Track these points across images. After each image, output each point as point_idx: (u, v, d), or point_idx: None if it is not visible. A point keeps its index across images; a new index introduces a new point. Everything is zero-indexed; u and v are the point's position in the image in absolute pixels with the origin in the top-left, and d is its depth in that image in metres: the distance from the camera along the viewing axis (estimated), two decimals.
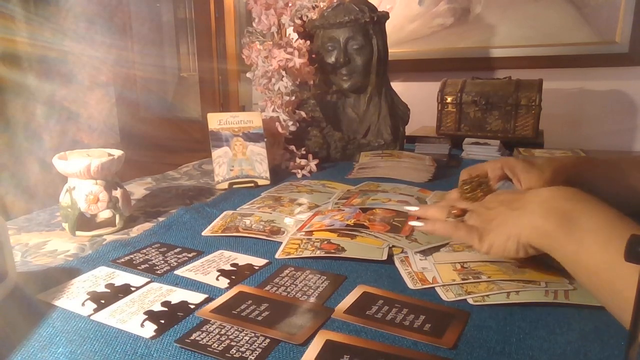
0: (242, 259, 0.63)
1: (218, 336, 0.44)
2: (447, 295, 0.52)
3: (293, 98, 1.16)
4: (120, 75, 2.62)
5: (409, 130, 1.38)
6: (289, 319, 0.47)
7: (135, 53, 2.65)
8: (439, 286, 0.54)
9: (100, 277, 0.57)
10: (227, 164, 0.99)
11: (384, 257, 0.61)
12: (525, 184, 0.66)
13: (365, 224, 0.69)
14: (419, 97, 1.64)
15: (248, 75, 1.18)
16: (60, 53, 2.29)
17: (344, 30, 1.20)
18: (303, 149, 1.16)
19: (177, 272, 0.59)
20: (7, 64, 2.06)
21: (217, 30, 2.41)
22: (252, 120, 1.03)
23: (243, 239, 0.70)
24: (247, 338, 0.44)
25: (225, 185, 0.98)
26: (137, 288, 0.55)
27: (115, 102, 2.67)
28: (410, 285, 0.55)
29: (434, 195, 0.85)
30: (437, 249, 0.62)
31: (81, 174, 0.70)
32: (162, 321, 0.47)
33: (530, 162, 0.68)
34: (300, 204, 0.84)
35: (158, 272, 0.59)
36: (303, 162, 1.12)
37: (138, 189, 0.99)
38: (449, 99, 1.50)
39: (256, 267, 0.60)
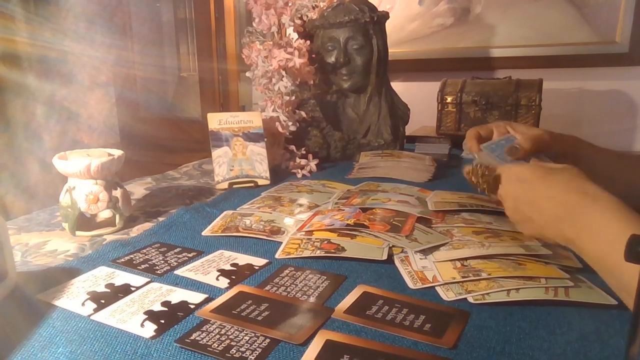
0: (242, 259, 0.63)
1: (218, 336, 0.44)
2: (447, 295, 0.52)
3: (293, 98, 1.16)
4: (120, 75, 2.62)
5: (409, 130, 1.38)
6: (289, 319, 0.47)
7: (135, 53, 2.65)
8: (439, 285, 0.54)
9: (100, 277, 0.57)
10: (227, 164, 0.99)
11: (384, 257, 0.61)
12: (524, 136, 0.69)
13: (365, 223, 0.69)
14: (419, 97, 1.64)
15: (248, 75, 1.18)
16: (60, 53, 2.29)
17: (344, 30, 1.20)
18: (303, 149, 1.16)
19: (177, 272, 0.59)
20: (7, 64, 2.06)
21: (217, 30, 2.41)
22: (252, 120, 1.03)
23: (243, 239, 0.70)
24: (247, 338, 0.44)
25: (225, 185, 0.98)
26: (137, 288, 0.54)
27: (115, 102, 2.66)
28: (410, 284, 0.55)
29: (434, 195, 0.85)
30: (437, 247, 0.62)
31: (81, 174, 0.70)
32: (162, 321, 0.47)
33: (533, 127, 0.75)
34: (300, 204, 0.84)
35: (158, 272, 0.59)
36: (303, 162, 1.12)
37: (138, 189, 0.99)
38: (449, 99, 1.50)
39: (256, 267, 0.60)
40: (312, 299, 0.52)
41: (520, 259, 0.57)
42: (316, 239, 0.66)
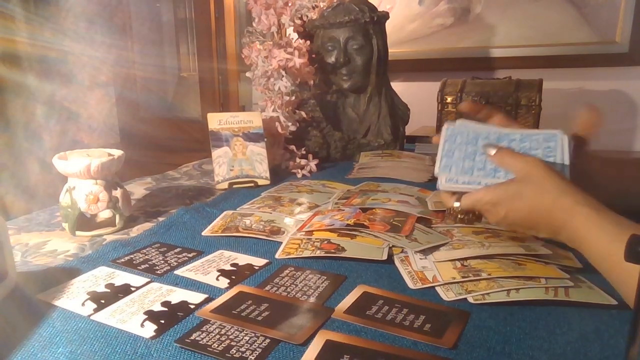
0: (242, 259, 0.63)
1: (218, 336, 0.44)
2: (447, 295, 0.52)
3: (293, 98, 1.16)
4: (120, 75, 2.62)
5: (409, 130, 1.38)
6: (289, 319, 0.47)
7: (135, 53, 2.65)
8: (439, 285, 0.54)
9: (100, 277, 0.57)
10: (227, 164, 0.99)
11: (384, 257, 0.61)
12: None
13: (365, 223, 0.69)
14: (419, 97, 1.63)
15: (248, 75, 1.18)
16: (60, 53, 2.29)
17: (344, 30, 1.20)
18: (303, 149, 1.16)
19: (177, 272, 0.59)
20: (7, 64, 2.06)
21: (217, 30, 2.41)
22: (252, 120, 1.03)
23: (243, 239, 0.70)
24: (247, 338, 0.44)
25: (225, 185, 0.98)
26: (137, 288, 0.54)
27: (115, 102, 2.66)
28: (410, 284, 0.55)
29: (434, 195, 0.85)
30: (437, 247, 0.62)
31: (81, 174, 0.70)
32: (162, 321, 0.47)
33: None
34: (300, 204, 0.84)
35: (158, 272, 0.59)
36: (303, 162, 1.12)
37: (138, 189, 0.99)
38: (449, 99, 1.50)
39: (256, 267, 0.60)
40: (312, 299, 0.52)
41: (520, 259, 0.57)
42: (316, 239, 0.66)
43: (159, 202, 0.91)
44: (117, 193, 0.74)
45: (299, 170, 1.10)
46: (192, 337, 0.44)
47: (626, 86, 1.59)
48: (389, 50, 1.28)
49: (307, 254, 0.63)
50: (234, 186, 0.98)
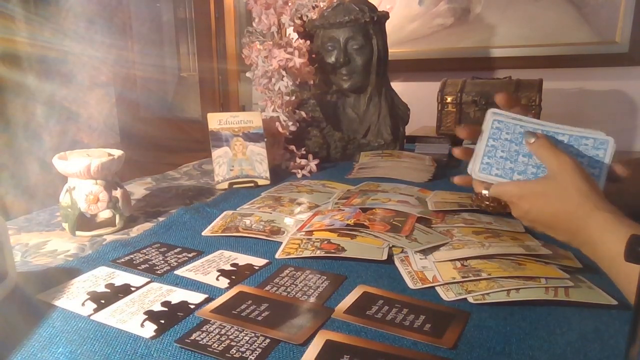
0: (242, 259, 0.63)
1: (218, 336, 0.44)
2: (447, 295, 0.52)
3: (293, 98, 1.16)
4: (120, 75, 2.62)
5: (409, 130, 1.38)
6: (289, 319, 0.47)
7: (135, 53, 2.65)
8: (439, 285, 0.54)
9: (100, 277, 0.57)
10: (227, 164, 0.99)
11: (384, 257, 0.61)
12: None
13: (365, 223, 0.69)
14: (419, 97, 1.63)
15: (248, 75, 1.18)
16: (60, 53, 2.29)
17: (344, 30, 1.20)
18: (303, 149, 1.16)
19: (177, 272, 0.59)
20: (7, 64, 2.06)
21: (217, 30, 2.41)
22: (252, 120, 1.03)
23: (243, 239, 0.70)
24: (247, 338, 0.44)
25: (225, 185, 0.98)
26: (137, 288, 0.54)
27: (115, 102, 2.66)
28: (410, 284, 0.55)
29: (434, 195, 0.85)
30: (437, 247, 0.62)
31: (81, 174, 0.70)
32: (162, 321, 0.47)
33: None
34: (300, 204, 0.84)
35: (158, 272, 0.59)
36: (303, 162, 1.12)
37: (138, 189, 0.99)
38: (449, 99, 1.50)
39: (256, 267, 0.60)
40: (312, 299, 0.52)
41: (520, 259, 0.58)
42: (316, 239, 0.66)
43: (159, 202, 0.91)
44: (117, 193, 0.74)
45: (299, 170, 1.10)
46: (192, 337, 0.44)
47: (626, 86, 1.59)
48: (389, 50, 1.28)
49: (307, 254, 0.63)
50: (234, 186, 0.98)
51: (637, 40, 1.51)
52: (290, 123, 1.14)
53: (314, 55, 1.22)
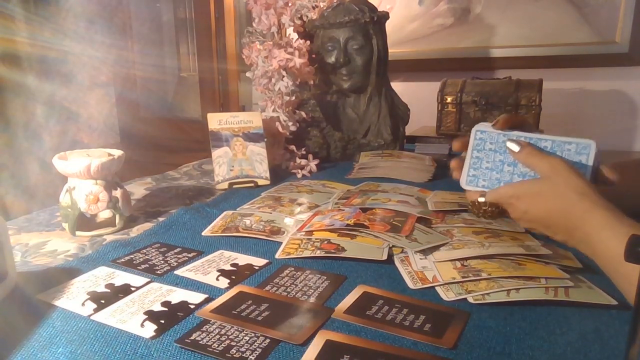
0: (242, 259, 0.63)
1: (218, 336, 0.44)
2: (447, 295, 0.52)
3: (293, 98, 1.16)
4: (120, 75, 2.62)
5: (409, 130, 1.38)
6: (289, 319, 0.47)
7: (135, 53, 2.65)
8: (439, 285, 0.54)
9: (100, 277, 0.57)
10: (227, 164, 0.99)
11: (384, 257, 0.61)
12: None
13: (365, 223, 0.69)
14: (419, 97, 1.64)
15: (248, 75, 1.18)
16: (60, 53, 2.29)
17: (344, 30, 1.20)
18: (303, 149, 1.16)
19: (177, 272, 0.59)
20: (7, 64, 2.06)
21: (217, 30, 2.41)
22: (252, 120, 1.03)
23: (243, 239, 0.70)
24: (247, 338, 0.44)
25: (225, 185, 0.98)
26: (137, 288, 0.54)
27: (115, 102, 2.67)
28: (410, 285, 0.55)
29: (434, 195, 0.85)
30: (437, 247, 0.62)
31: (81, 174, 0.70)
32: (162, 321, 0.47)
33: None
34: (300, 204, 0.84)
35: (158, 272, 0.59)
36: (303, 162, 1.12)
37: (138, 189, 0.99)
38: (449, 99, 1.50)
39: (256, 267, 0.60)
40: (312, 299, 0.52)
41: (520, 259, 0.58)
42: (316, 239, 0.66)
43: (159, 202, 0.91)
44: (117, 193, 0.74)
45: (299, 170, 1.10)
46: (192, 337, 0.44)
47: (626, 86, 1.59)
48: (389, 50, 1.28)
49: (307, 254, 0.63)
50: (234, 186, 0.98)
51: (637, 40, 1.51)
52: (290, 123, 1.14)
53: (314, 55, 1.22)
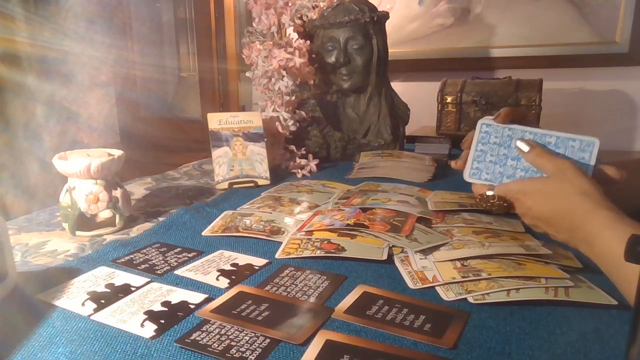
0: (242, 259, 0.63)
1: (218, 336, 0.44)
2: (447, 295, 0.52)
3: (293, 98, 1.16)
4: (120, 75, 2.62)
5: (409, 130, 1.38)
6: (289, 319, 0.47)
7: (135, 53, 2.65)
8: (439, 285, 0.54)
9: (100, 277, 0.57)
10: (227, 164, 0.99)
11: (384, 257, 0.61)
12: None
13: (365, 223, 0.69)
14: (419, 97, 1.64)
15: (248, 75, 1.18)
16: (60, 53, 2.29)
17: (344, 30, 1.20)
18: (303, 149, 1.16)
19: (177, 272, 0.59)
20: (7, 64, 2.06)
21: (217, 30, 2.41)
22: (252, 120, 1.03)
23: (243, 239, 0.70)
24: (247, 338, 0.44)
25: (225, 185, 0.98)
26: (137, 288, 0.54)
27: (115, 102, 2.66)
28: (410, 284, 0.55)
29: (434, 195, 0.85)
30: (437, 247, 0.62)
31: (81, 174, 0.70)
32: (162, 321, 0.47)
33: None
34: (300, 204, 0.84)
35: (158, 272, 0.59)
36: (303, 162, 1.12)
37: (138, 189, 0.99)
38: (449, 99, 1.50)
39: (256, 267, 0.60)
40: (312, 299, 0.52)
41: (520, 259, 0.58)
42: (316, 239, 0.66)
43: (159, 202, 0.91)
44: (117, 193, 0.74)
45: (299, 170, 1.10)
46: (192, 337, 0.44)
47: (626, 86, 1.59)
48: (389, 50, 1.28)
49: (307, 254, 0.63)
50: (234, 186, 0.98)
51: (637, 40, 1.51)
52: (290, 123, 1.14)
53: (314, 55, 1.22)
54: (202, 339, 0.44)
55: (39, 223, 0.80)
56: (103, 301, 0.51)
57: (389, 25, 1.27)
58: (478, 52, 1.75)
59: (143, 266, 0.61)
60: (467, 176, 0.65)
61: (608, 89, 1.62)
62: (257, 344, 0.43)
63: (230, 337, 0.44)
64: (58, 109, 2.27)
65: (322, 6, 1.24)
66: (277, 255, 0.64)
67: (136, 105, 2.69)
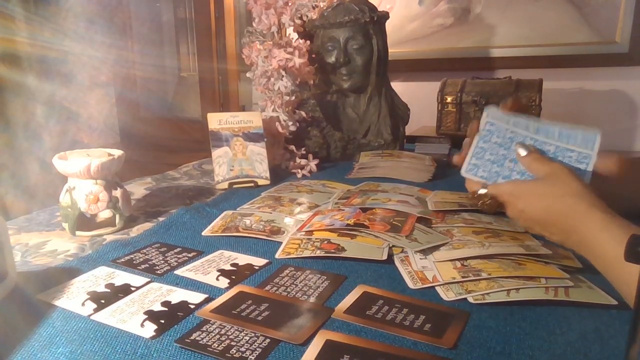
0: (242, 259, 0.63)
1: (218, 336, 0.44)
2: (447, 295, 0.52)
3: (293, 98, 1.16)
4: (120, 75, 2.62)
5: (409, 130, 1.38)
6: (289, 319, 0.47)
7: (135, 53, 2.65)
8: (439, 285, 0.54)
9: (100, 277, 0.57)
10: (227, 164, 0.99)
11: (384, 257, 0.61)
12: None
13: (365, 223, 0.69)
14: (419, 97, 1.64)
15: (248, 75, 1.18)
16: (60, 53, 2.29)
17: (344, 30, 1.20)
18: (303, 149, 1.15)
19: (177, 272, 0.59)
20: (7, 64, 2.06)
21: (217, 30, 2.41)
22: (252, 120, 1.03)
23: (243, 239, 0.70)
24: (247, 338, 0.44)
25: (225, 185, 0.98)
26: (137, 288, 0.54)
27: (115, 102, 2.67)
28: (410, 284, 0.55)
29: (434, 195, 0.85)
30: (437, 247, 0.62)
31: (81, 174, 0.70)
32: (162, 321, 0.47)
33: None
34: (300, 204, 0.84)
35: (158, 272, 0.59)
36: (303, 162, 1.12)
37: (138, 189, 0.99)
38: (449, 99, 1.50)
39: (256, 267, 0.60)
40: (312, 299, 0.52)
41: (520, 259, 0.58)
42: (316, 239, 0.66)
43: (159, 202, 0.91)
44: (117, 193, 0.74)
45: (299, 170, 1.10)
46: (192, 337, 0.44)
47: (626, 86, 1.60)
48: (389, 50, 1.28)
49: (307, 254, 0.63)
50: (234, 186, 0.98)
51: (637, 40, 1.52)
52: (290, 123, 1.14)
53: (314, 55, 1.22)
54: (202, 339, 0.44)
55: (39, 223, 0.80)
56: (103, 301, 0.51)
57: (389, 25, 1.27)
58: (478, 52, 1.75)
59: (143, 266, 0.61)
60: (463, 171, 0.65)
61: (608, 89, 1.62)
62: (257, 344, 0.43)
63: (230, 337, 0.44)
64: (58, 109, 2.27)
65: (322, 6, 1.24)
66: (277, 255, 0.64)
67: (136, 105, 2.70)
